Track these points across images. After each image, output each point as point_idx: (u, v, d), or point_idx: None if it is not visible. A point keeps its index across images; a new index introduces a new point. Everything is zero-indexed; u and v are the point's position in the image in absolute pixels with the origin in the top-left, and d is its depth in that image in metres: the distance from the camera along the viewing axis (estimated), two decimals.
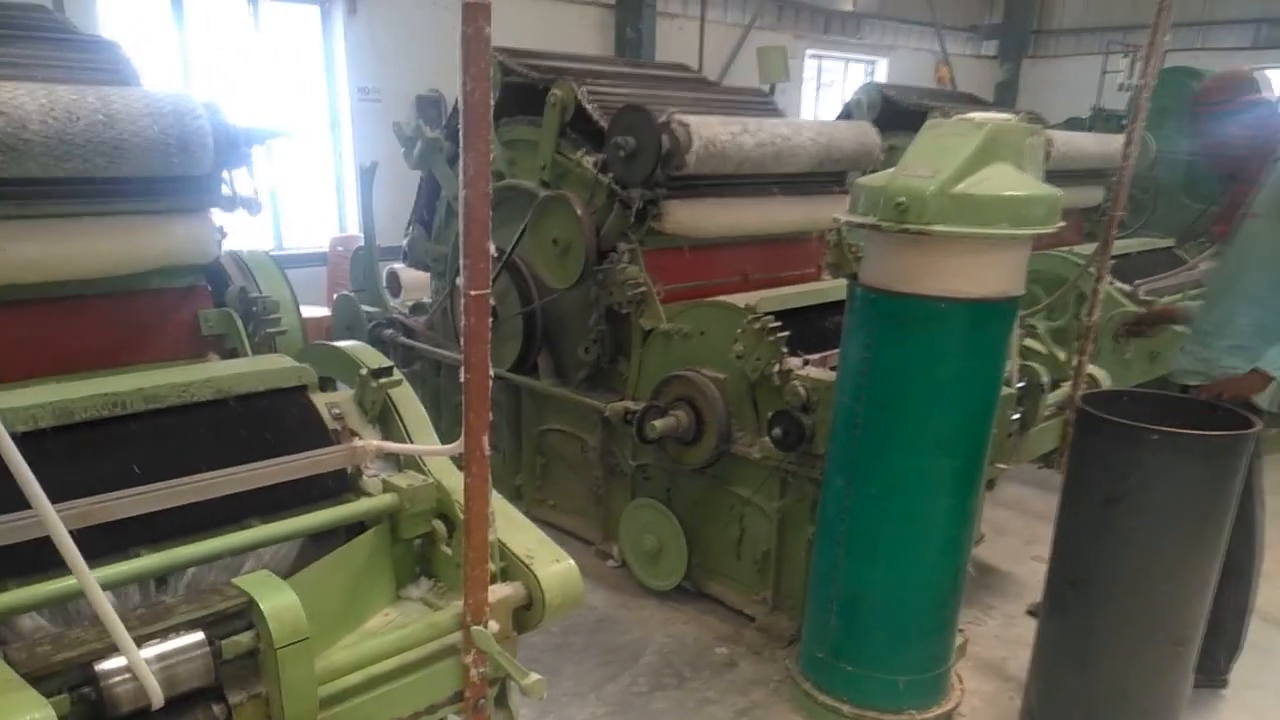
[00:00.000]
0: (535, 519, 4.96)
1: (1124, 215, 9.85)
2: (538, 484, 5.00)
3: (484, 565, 2.10)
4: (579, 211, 4.02)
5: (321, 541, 2.36)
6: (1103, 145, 6.84)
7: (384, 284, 6.08)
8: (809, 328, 4.04)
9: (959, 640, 3.62)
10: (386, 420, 2.64)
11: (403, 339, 5.48)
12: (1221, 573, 2.94)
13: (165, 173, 2.66)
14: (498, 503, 2.45)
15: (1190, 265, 6.35)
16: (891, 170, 2.84)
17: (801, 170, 4.30)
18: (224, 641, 1.75)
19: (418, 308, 5.66)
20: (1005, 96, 15.12)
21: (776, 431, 3.55)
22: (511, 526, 2.42)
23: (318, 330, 7.30)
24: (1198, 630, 2.89)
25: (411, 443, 2.56)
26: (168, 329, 2.99)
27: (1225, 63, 13.01)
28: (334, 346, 2.80)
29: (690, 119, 3.85)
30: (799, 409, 3.53)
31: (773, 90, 5.06)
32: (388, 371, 2.61)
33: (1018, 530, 5.05)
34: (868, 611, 3.11)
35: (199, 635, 1.73)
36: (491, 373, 2.00)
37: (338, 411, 2.55)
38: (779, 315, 3.85)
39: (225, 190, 2.94)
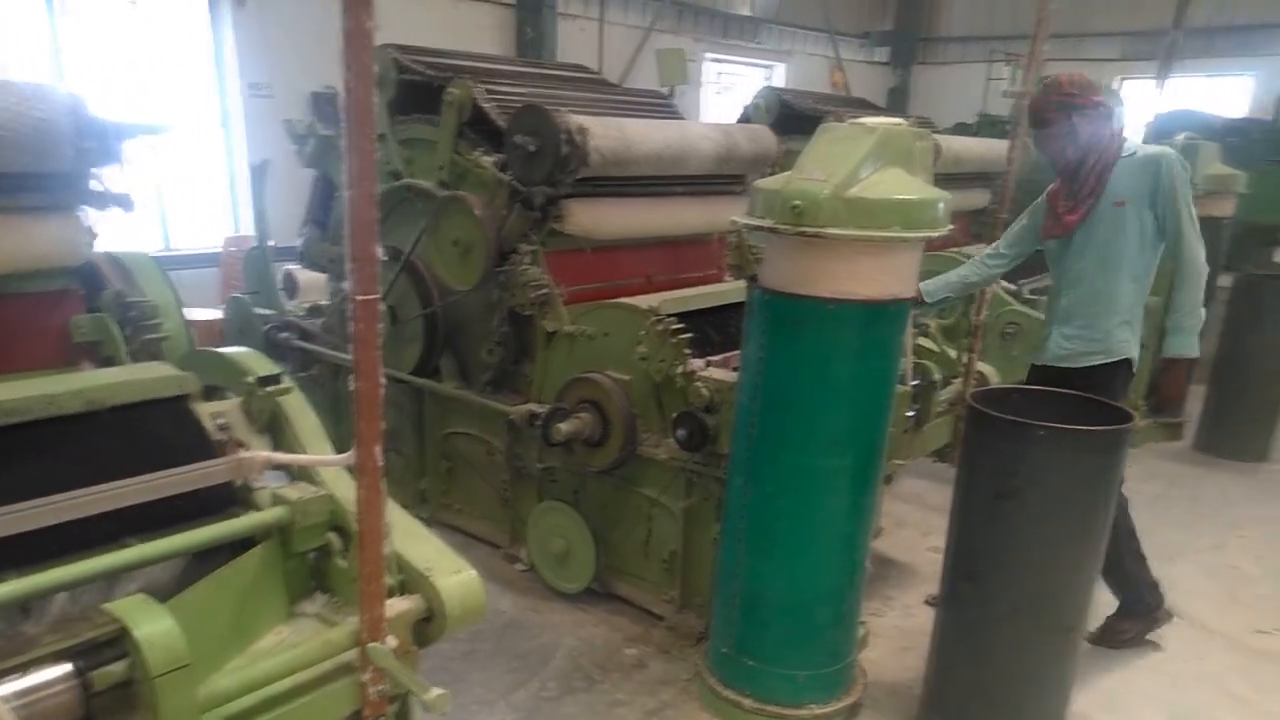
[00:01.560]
0: (441, 524, 4.93)
1: (1008, 217, 10.32)
2: (443, 488, 4.91)
3: (379, 580, 2.03)
4: (479, 212, 3.95)
5: (208, 559, 2.24)
6: (988, 149, 7.10)
7: (280, 285, 5.88)
8: (712, 329, 4.07)
9: (860, 633, 3.70)
10: (277, 430, 2.53)
11: (299, 342, 5.31)
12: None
13: (21, 168, 2.50)
14: (395, 513, 2.38)
15: None
16: (788, 174, 2.87)
17: (702, 172, 4.32)
18: (95, 673, 1.64)
19: (315, 310, 5.48)
20: (897, 102, 15.60)
21: (681, 433, 3.56)
22: (410, 537, 2.35)
23: (211, 333, 7.02)
24: (1085, 617, 3.02)
25: (303, 453, 2.46)
26: (35, 336, 2.81)
27: (1097, 72, 13.72)
28: (219, 353, 2.68)
29: (590, 120, 3.82)
30: (703, 410, 3.55)
31: (672, 93, 5.08)
32: (276, 379, 2.50)
33: (915, 522, 5.19)
34: (768, 608, 3.14)
35: (66, 667, 1.62)
36: (383, 380, 1.93)
37: (223, 421, 2.43)
38: (682, 317, 3.87)
39: (95, 187, 2.78)
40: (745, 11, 12.98)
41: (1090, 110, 3.50)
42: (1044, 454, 2.79)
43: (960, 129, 11.27)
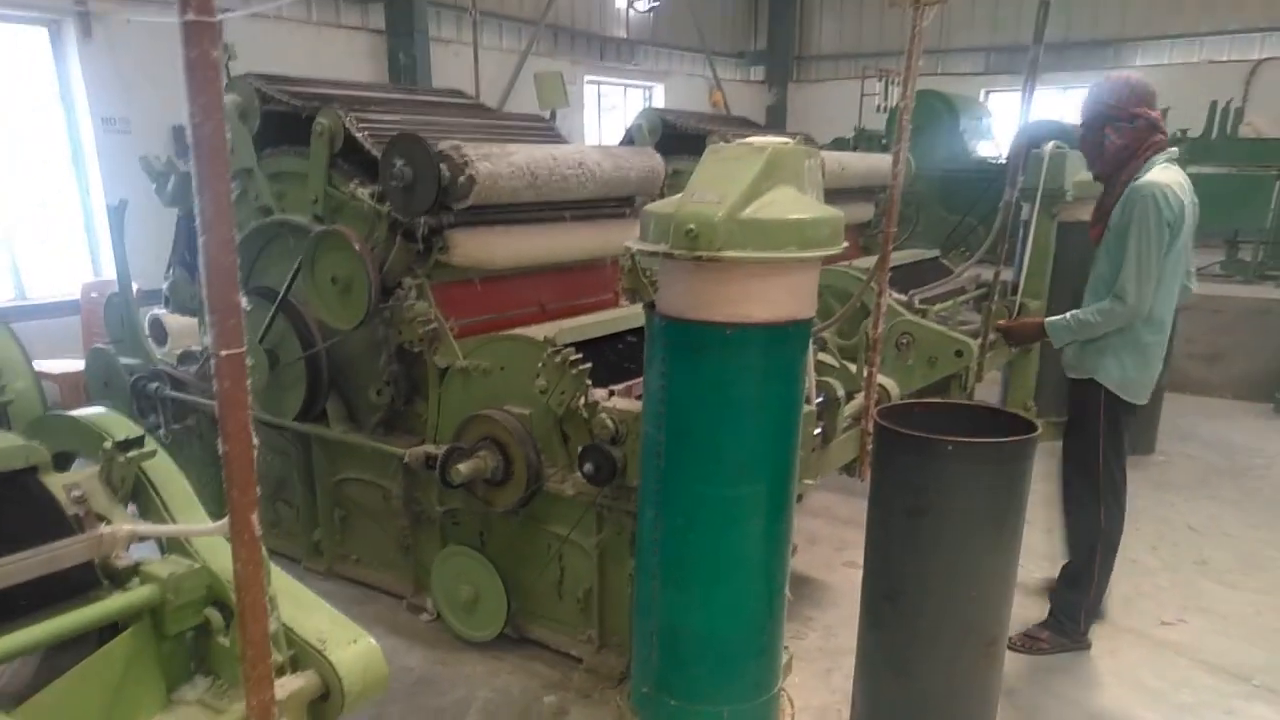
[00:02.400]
0: (339, 576, 4.67)
1: (896, 230, 10.59)
2: (339, 539, 4.65)
3: (266, 660, 1.83)
4: (357, 247, 3.75)
5: (69, 651, 2.00)
6: (868, 163, 7.24)
7: (147, 332, 5.50)
8: (611, 356, 3.96)
9: (784, 659, 3.62)
10: (142, 498, 2.30)
11: (172, 392, 4.96)
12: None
13: None
14: (281, 580, 2.18)
15: (957, 273, 6.80)
16: (679, 197, 2.79)
17: (590, 196, 4.22)
18: None
19: (187, 356, 5.14)
20: (775, 119, 15.94)
21: (588, 467, 3.43)
22: (299, 606, 2.15)
23: (74, 387, 6.53)
24: (1006, 628, 3.01)
25: (173, 522, 2.23)
26: None
27: (962, 86, 14.35)
28: (71, 417, 2.42)
29: (470, 147, 3.68)
30: (608, 442, 3.43)
31: (553, 116, 4.98)
32: (139, 441, 2.26)
33: (828, 538, 5.18)
34: (686, 643, 3.02)
35: None
36: (256, 441, 1.74)
37: (79, 493, 2.18)
38: (580, 345, 3.75)
39: None
40: (621, 33, 13.02)
41: (1124, 123, 3.47)
42: (952, 468, 2.78)
43: (838, 144, 11.56)
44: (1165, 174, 3.47)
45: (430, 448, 3.82)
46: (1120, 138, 3.51)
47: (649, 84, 14.29)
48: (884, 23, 15.29)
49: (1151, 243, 3.43)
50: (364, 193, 3.82)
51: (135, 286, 6.23)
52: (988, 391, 7.08)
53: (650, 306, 2.95)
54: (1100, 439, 3.73)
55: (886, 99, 12.68)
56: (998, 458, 2.77)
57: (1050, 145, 6.34)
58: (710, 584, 2.93)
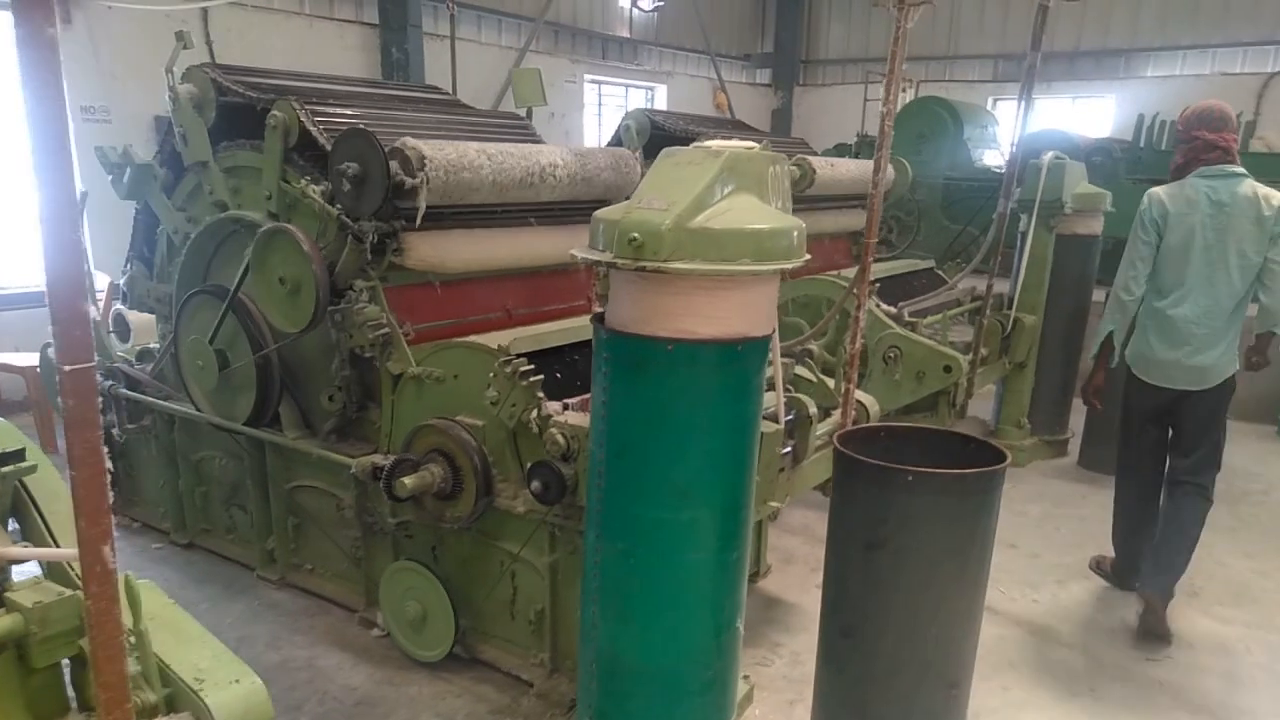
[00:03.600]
0: (292, 586, 4.51)
1: (892, 237, 10.41)
2: (292, 547, 4.49)
3: (123, 704, 1.66)
4: (306, 246, 3.58)
5: None
6: (865, 170, 7.02)
7: (110, 328, 5.36)
8: (571, 367, 3.79)
9: (744, 689, 3.45)
10: (22, 515, 2.13)
11: (125, 391, 4.81)
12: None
13: None
14: (162, 610, 2.00)
15: (950, 285, 6.61)
16: (627, 203, 2.61)
17: (558, 199, 4.05)
18: None
19: (144, 354, 4.99)
20: (780, 123, 15.73)
21: (536, 485, 3.26)
22: (180, 641, 1.97)
23: (34, 383, 6.38)
24: (970, 670, 2.82)
25: (52, 542, 2.06)
26: None
27: (970, 94, 14.13)
28: None
29: (426, 144, 3.51)
30: (559, 458, 3.25)
31: (530, 115, 4.81)
32: (19, 455, 2.10)
33: (804, 557, 4.99)
34: (627, 675, 2.84)
35: None
36: (107, 468, 1.57)
37: None
38: (538, 355, 3.58)
39: None
40: (624, 33, 12.84)
41: (1184, 144, 4.07)
42: (913, 500, 2.59)
43: (840, 150, 11.37)
44: (1182, 183, 4.07)
45: (379, 458, 3.66)
46: (1180, 156, 4.11)
47: (651, 84, 14.10)
48: (892, 26, 15.08)
49: (1135, 237, 4.18)
50: (314, 190, 3.65)
51: (107, 280, 6.11)
52: (982, 407, 6.88)
53: (598, 318, 2.78)
54: (1132, 415, 4.38)
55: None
56: (961, 490, 2.59)
57: (1049, 155, 6.15)
58: (651, 614, 2.75)
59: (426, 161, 3.47)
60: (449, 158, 3.56)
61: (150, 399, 4.69)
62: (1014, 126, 5.58)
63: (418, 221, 3.49)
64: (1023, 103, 5.42)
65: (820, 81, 16.41)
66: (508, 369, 3.29)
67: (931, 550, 2.63)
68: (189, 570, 4.64)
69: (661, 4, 13.31)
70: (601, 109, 13.31)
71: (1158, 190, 4.13)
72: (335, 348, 3.86)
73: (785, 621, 4.29)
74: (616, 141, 6.31)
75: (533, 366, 3.32)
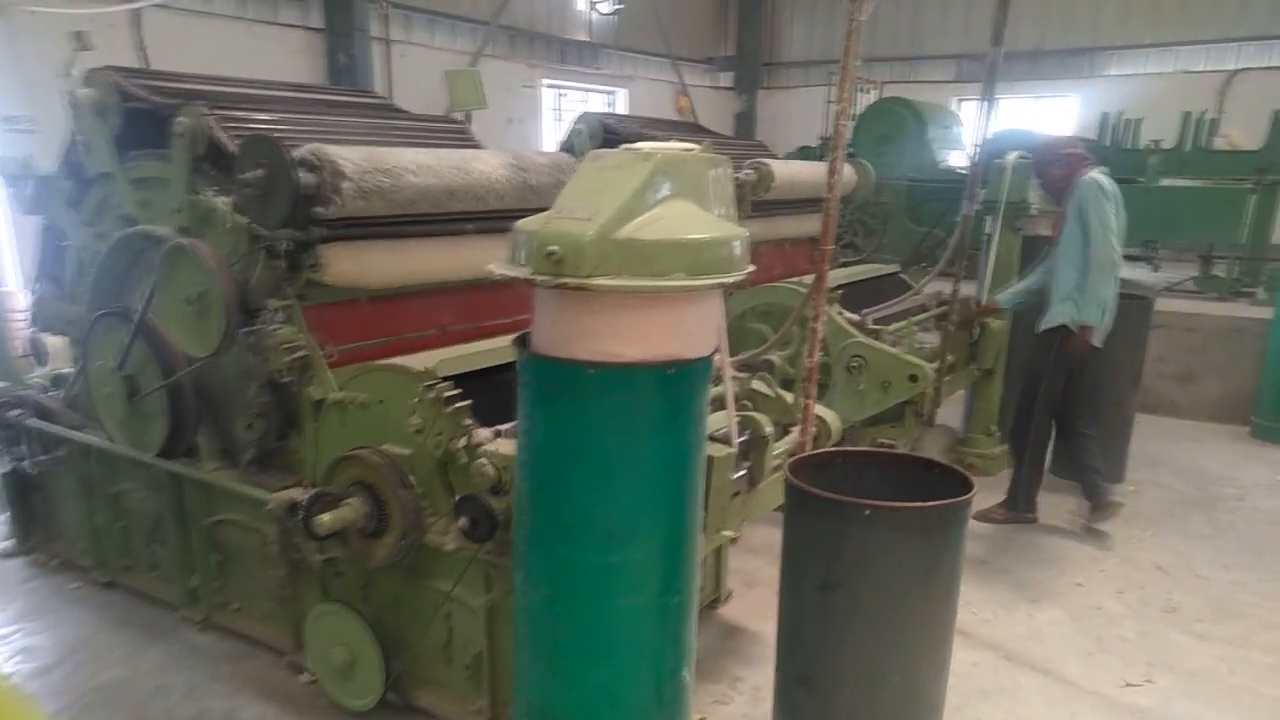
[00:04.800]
0: (218, 628, 4.20)
1: (857, 240, 10.22)
2: (217, 585, 4.17)
3: None
4: (211, 263, 3.29)
5: None
6: (822, 172, 6.81)
7: (25, 351, 5.02)
8: (508, 389, 3.49)
9: None
10: None
11: (36, 421, 4.48)
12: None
13: None
14: None
15: (915, 290, 6.40)
16: (548, 213, 2.35)
17: (495, 207, 3.78)
18: None
19: (59, 379, 4.66)
20: (744, 127, 15.55)
21: (463, 521, 2.99)
22: None
23: None
24: (939, 715, 2.58)
25: None
26: None
27: (934, 94, 14.00)
28: None
29: (341, 151, 3.23)
30: (489, 491, 2.98)
31: (469, 119, 4.54)
32: None
33: (768, 580, 4.68)
34: None
35: None
36: None
37: None
38: (471, 376, 3.32)
39: None
40: (583, 36, 12.57)
41: (1058, 163, 5.15)
42: (870, 536, 2.35)
43: (804, 153, 11.17)
44: (1097, 174, 5.00)
45: (297, 492, 3.37)
46: (1059, 170, 5.12)
47: (612, 89, 13.84)
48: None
49: (1104, 207, 4.88)
50: (222, 202, 3.36)
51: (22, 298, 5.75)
52: (951, 413, 6.67)
53: (521, 340, 2.51)
54: (1044, 374, 5.16)
55: (853, 106, 12.31)
56: (923, 524, 2.35)
57: (1013, 156, 5.96)
58: (582, 666, 2.49)
59: (341, 168, 3.19)
60: (368, 164, 3.29)
61: (59, 429, 4.37)
62: (977, 126, 5.40)
63: (327, 234, 3.21)
64: (986, 101, 5.22)
65: (783, 84, 16.23)
66: (431, 394, 3.02)
67: (892, 591, 2.39)
68: (106, 612, 4.32)
69: (621, 6, 13.07)
70: (562, 115, 13.04)
71: (1098, 176, 5.00)
72: (252, 372, 3.57)
73: (746, 653, 4.04)
74: (568, 146, 6.05)
75: (458, 391, 3.05)
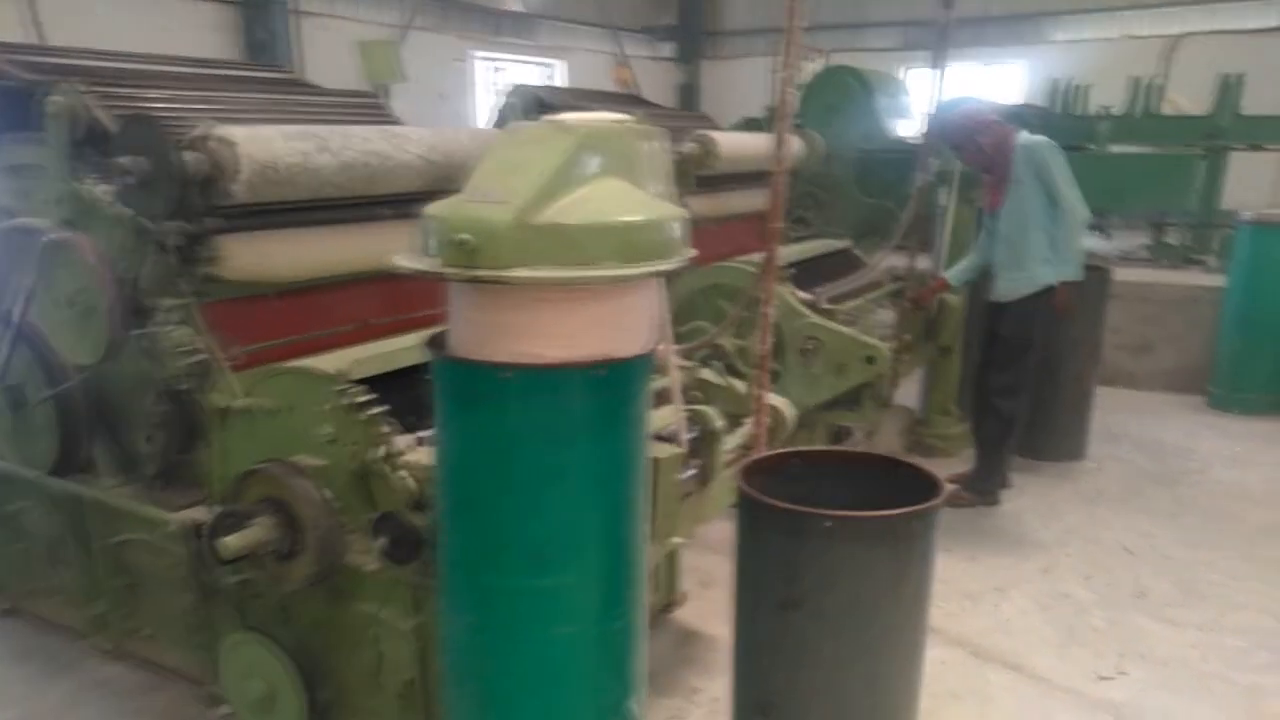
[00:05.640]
0: (129, 656, 3.84)
1: (808, 215, 9.99)
2: (125, 611, 3.81)
3: None
4: (92, 259, 2.94)
5: None
6: (770, 144, 6.53)
7: None
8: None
9: None
10: None
11: None
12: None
13: None
14: None
15: (871, 266, 6.19)
16: (459, 196, 2.06)
17: (412, 190, 3.45)
18: None
19: None
20: (688, 99, 15.22)
21: (383, 540, 2.69)
22: None
23: None
24: None
25: None
26: None
27: (880, 62, 13.79)
28: None
29: (238, 132, 2.89)
30: (412, 506, 2.69)
31: (387, 93, 4.19)
32: None
33: (726, 579, 4.47)
34: None
35: None
36: None
37: None
38: (393, 376, 3.02)
39: None
40: (516, 7, 12.12)
41: (985, 130, 4.91)
42: (832, 549, 2.12)
43: (750, 125, 10.88)
44: (1032, 136, 4.90)
45: (201, 511, 3.04)
46: (989, 137, 4.88)
47: (549, 61, 13.41)
48: None
49: (1064, 164, 4.80)
50: (103, 191, 3.00)
51: None
52: (908, 392, 6.48)
53: (435, 341, 2.22)
54: (1036, 338, 5.04)
55: (799, 74, 12.06)
56: (890, 534, 2.11)
57: None
58: (512, 700, 2.23)
59: (236, 150, 2.85)
60: (268, 145, 2.95)
61: None
62: (928, 95, 5.19)
63: (224, 225, 2.88)
64: (937, 68, 5.01)
65: (727, 54, 15.89)
66: (342, 399, 2.71)
67: (858, 607, 2.16)
68: (6, 643, 3.95)
69: None
70: (499, 90, 12.61)
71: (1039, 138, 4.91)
72: (149, 380, 3.22)
73: (704, 660, 3.80)
74: (502, 122, 5.71)
75: (373, 395, 2.74)
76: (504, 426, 2.00)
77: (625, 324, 2.07)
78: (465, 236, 1.91)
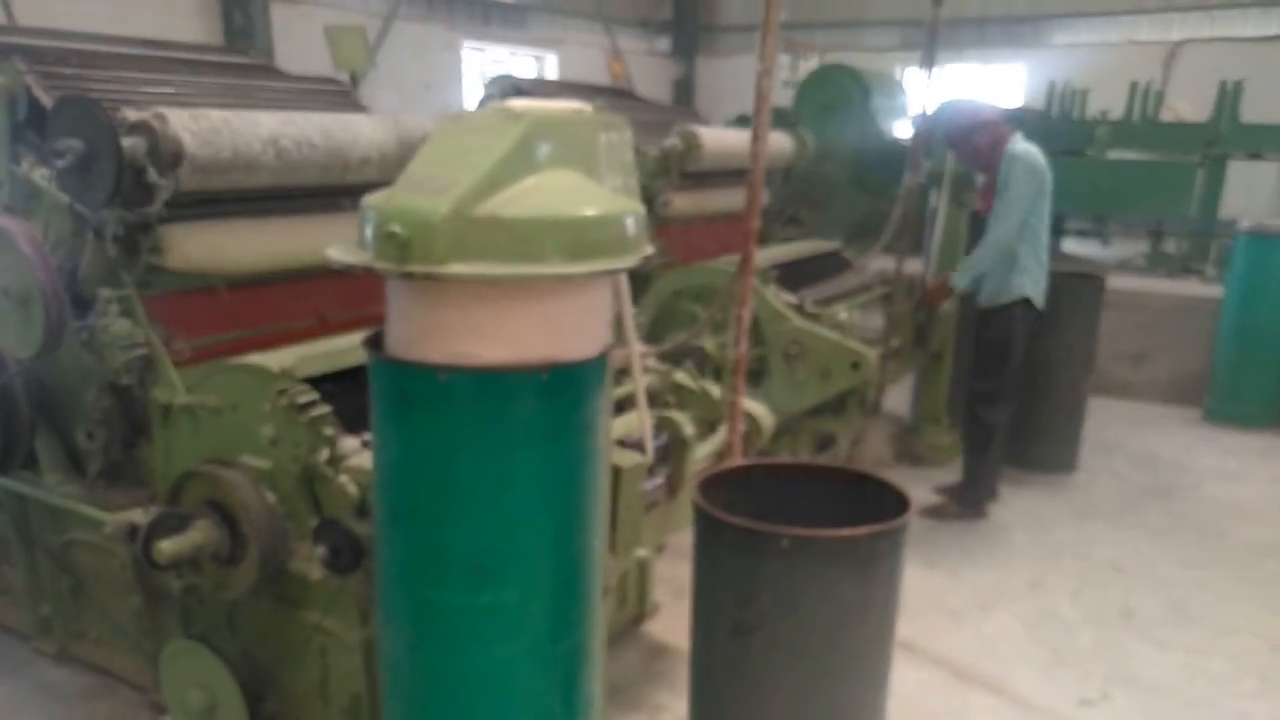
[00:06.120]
0: (75, 659, 3.69)
1: (800, 214, 9.83)
2: (72, 613, 3.68)
3: None
4: (27, 248, 2.78)
5: None
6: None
7: None
8: None
9: None
10: None
11: None
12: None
13: None
14: None
15: (859, 268, 6.04)
16: (395, 185, 1.91)
17: (371, 179, 3.29)
18: None
19: None
20: (683, 94, 15.04)
21: (321, 549, 2.54)
22: None
23: None
24: None
25: None
26: None
27: (876, 62, 13.64)
28: None
29: (183, 116, 2.74)
30: (355, 513, 2.54)
31: (356, 80, 4.04)
32: None
33: None
34: None
35: None
36: None
37: None
38: (347, 374, 2.87)
39: None
40: None
41: (982, 128, 4.80)
42: (791, 570, 1.97)
43: (744, 121, 10.72)
44: (1025, 144, 4.76)
45: (139, 513, 2.88)
46: (985, 137, 4.78)
47: (541, 52, 13.21)
48: None
49: (1022, 189, 4.67)
50: (41, 175, 2.84)
51: None
52: (898, 399, 6.34)
53: (372, 340, 2.06)
54: (1016, 345, 4.89)
55: (794, 72, 11.90)
56: (853, 555, 1.97)
57: None
58: None
59: (179, 135, 2.69)
60: (216, 130, 2.80)
61: None
62: (919, 94, 5.06)
63: (167, 213, 2.72)
64: (927, 67, 4.88)
65: (724, 50, 15.71)
66: (283, 400, 2.56)
67: (818, 632, 2.01)
68: None
69: None
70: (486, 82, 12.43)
71: (1027, 149, 4.72)
72: (91, 374, 3.07)
73: (672, 676, 3.64)
74: None
75: (317, 395, 2.59)
76: (440, 431, 1.86)
77: (573, 325, 1.92)
78: (396, 229, 1.76)
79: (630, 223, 1.98)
